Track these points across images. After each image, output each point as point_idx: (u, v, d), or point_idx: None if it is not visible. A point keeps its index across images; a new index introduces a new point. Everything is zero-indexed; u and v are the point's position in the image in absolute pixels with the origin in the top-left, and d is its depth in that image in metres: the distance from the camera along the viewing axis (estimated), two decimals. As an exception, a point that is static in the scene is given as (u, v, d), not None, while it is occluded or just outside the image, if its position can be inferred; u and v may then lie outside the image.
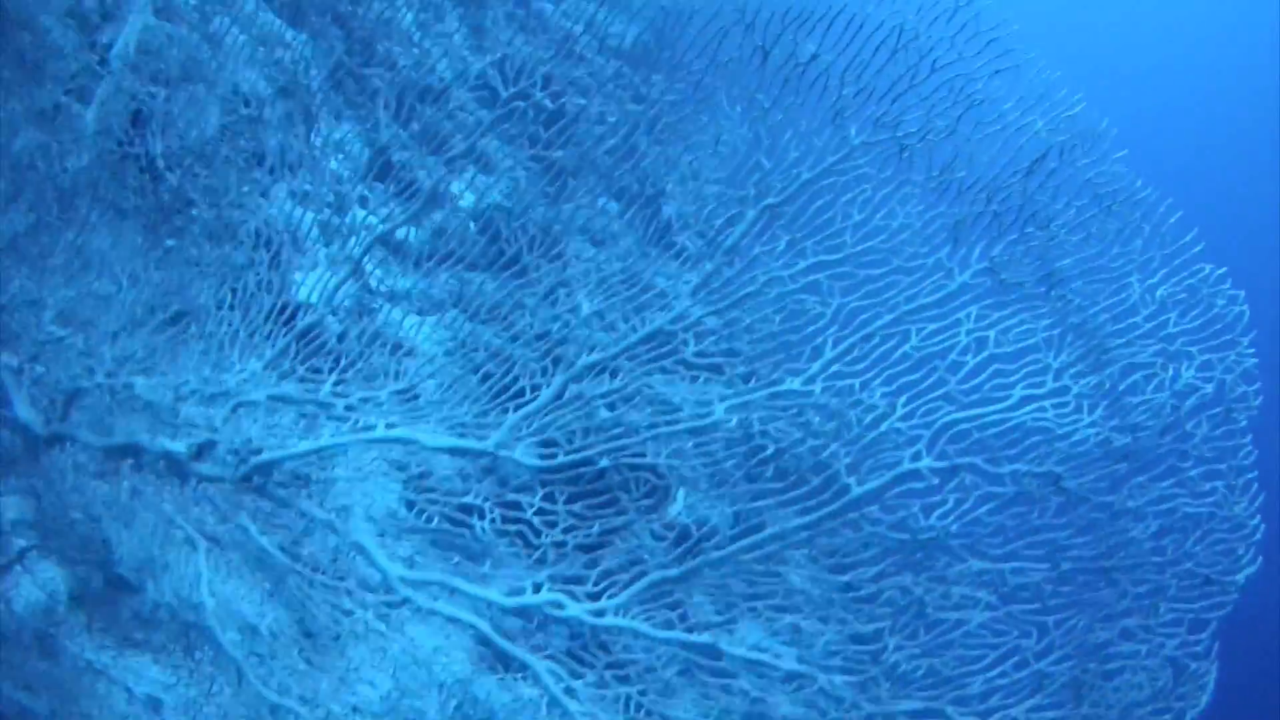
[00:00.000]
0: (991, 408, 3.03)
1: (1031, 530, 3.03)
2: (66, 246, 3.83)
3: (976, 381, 3.05)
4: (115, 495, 3.60)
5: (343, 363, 3.29)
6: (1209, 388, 3.02)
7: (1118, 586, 3.04)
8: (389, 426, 3.20)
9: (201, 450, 3.33)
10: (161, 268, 3.60)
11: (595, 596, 3.11)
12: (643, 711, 3.05)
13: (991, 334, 3.08)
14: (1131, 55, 20.56)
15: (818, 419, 3.03)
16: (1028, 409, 3.03)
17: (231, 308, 3.42)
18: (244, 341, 3.38)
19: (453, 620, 3.11)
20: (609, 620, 3.09)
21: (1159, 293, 3.11)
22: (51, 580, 4.42)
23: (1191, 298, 3.10)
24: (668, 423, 3.09)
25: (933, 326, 3.08)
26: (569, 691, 3.08)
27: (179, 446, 3.35)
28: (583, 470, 3.13)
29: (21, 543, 4.23)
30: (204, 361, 3.40)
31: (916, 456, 3.02)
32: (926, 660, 3.00)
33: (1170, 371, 3.04)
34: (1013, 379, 3.06)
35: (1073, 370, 3.05)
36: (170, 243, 3.59)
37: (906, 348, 3.07)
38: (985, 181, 3.13)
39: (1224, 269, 3.10)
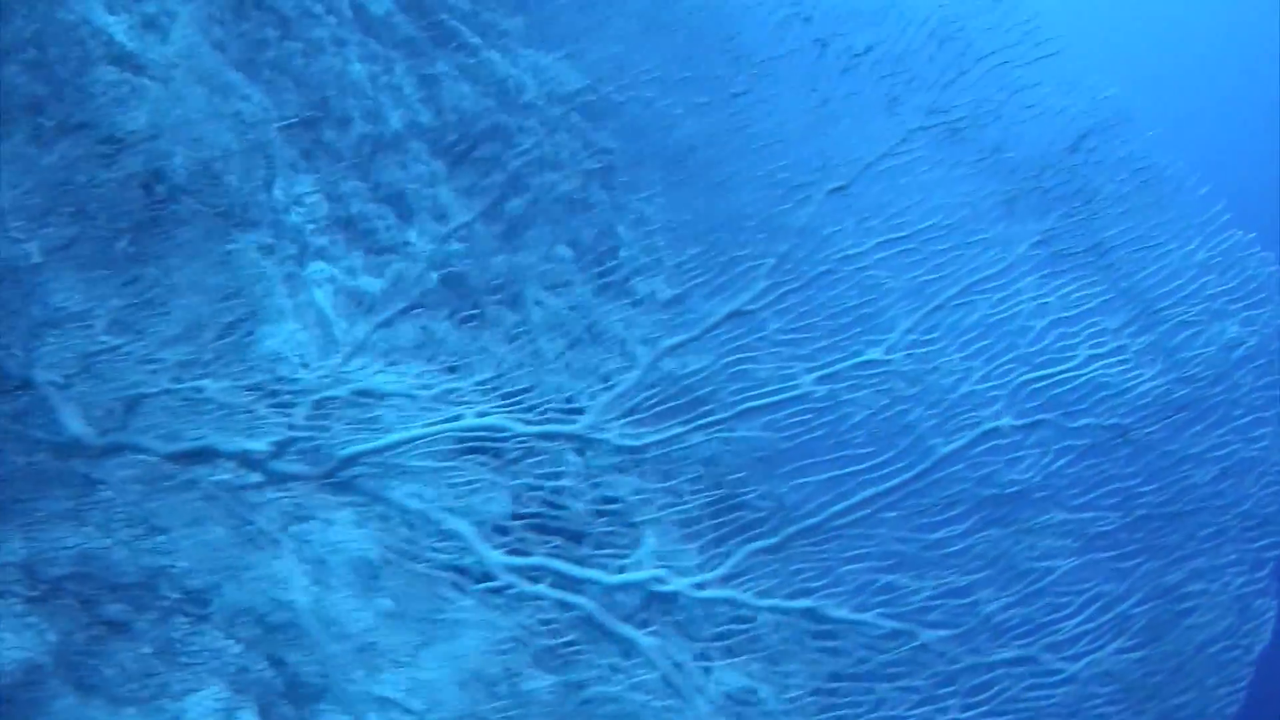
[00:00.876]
0: (1060, 367, 3.22)
1: (1105, 480, 3.20)
2: (118, 255, 3.78)
3: (1044, 344, 3.24)
4: (185, 502, 3.54)
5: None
6: (1253, 341, 3.27)
7: (1185, 530, 3.23)
8: (480, 415, 3.23)
9: (282, 448, 3.31)
10: (223, 271, 3.57)
11: (696, 570, 3.17)
12: (750, 679, 3.11)
13: (1052, 300, 3.28)
14: (1160, 34, 21.78)
15: (901, 385, 3.18)
16: (1093, 367, 3.23)
17: (298, 309, 3.42)
18: (320, 339, 3.38)
19: (558, 603, 3.12)
20: (711, 592, 3.15)
21: (1197, 257, 3.36)
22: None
23: (1226, 260, 3.36)
24: (756, 397, 3.20)
25: (998, 295, 3.26)
26: (677, 666, 3.12)
27: (259, 445, 3.32)
28: (674, 449, 3.20)
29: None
30: (277, 360, 3.39)
31: (996, 415, 3.18)
32: (1019, 609, 3.13)
33: (1216, 328, 3.28)
34: (1076, 340, 3.26)
35: (1129, 330, 3.27)
36: (231, 246, 3.57)
37: (976, 316, 3.24)
38: (1033, 160, 3.35)
39: (1253, 234, 3.37)
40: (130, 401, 3.54)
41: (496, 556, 3.16)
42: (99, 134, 4.02)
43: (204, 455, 3.40)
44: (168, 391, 3.50)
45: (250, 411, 3.39)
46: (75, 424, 3.63)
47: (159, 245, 3.84)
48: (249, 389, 3.41)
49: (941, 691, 3.11)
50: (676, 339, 3.26)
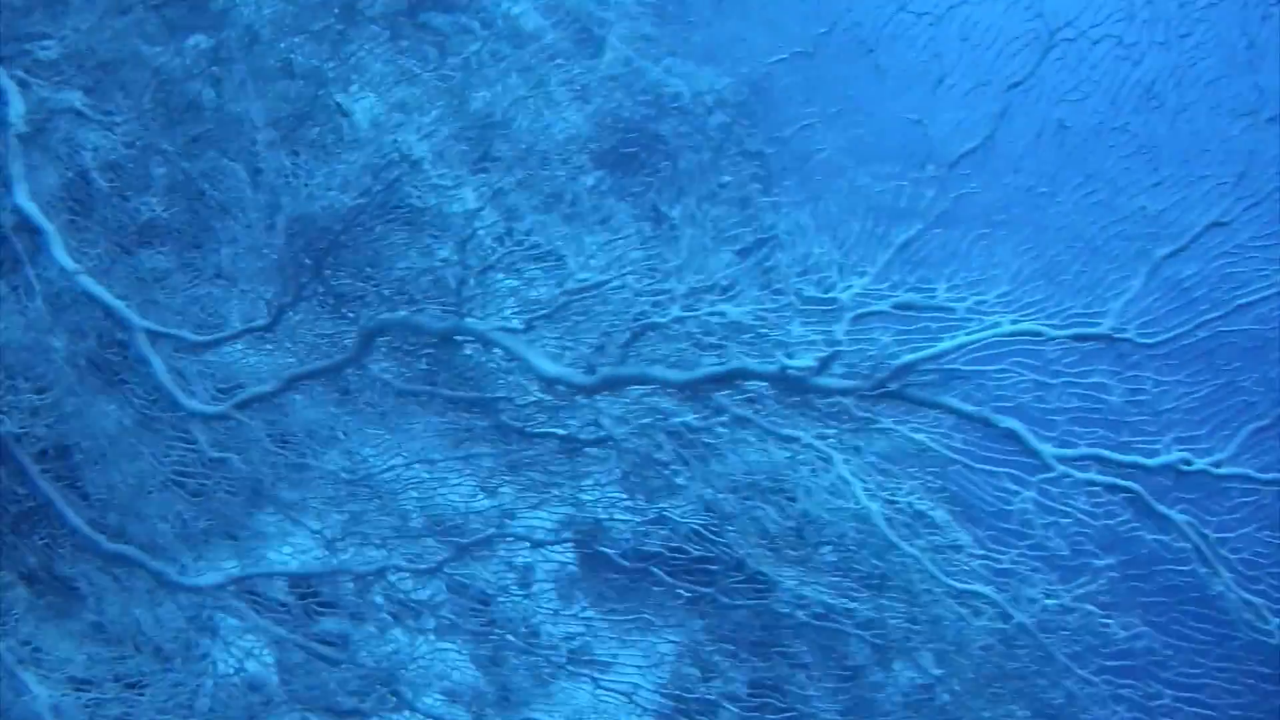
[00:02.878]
0: None
1: None
2: (583, 193, 3.80)
3: None
4: (706, 425, 3.62)
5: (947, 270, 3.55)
6: None
7: None
8: (1014, 322, 3.50)
9: (825, 364, 3.46)
10: (718, 203, 3.66)
11: (1209, 451, 3.56)
12: (1262, 544, 3.53)
13: None
14: None
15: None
16: None
17: (819, 230, 3.58)
18: (841, 260, 3.56)
19: (1109, 487, 3.44)
20: (1225, 469, 3.55)
21: None
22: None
23: None
24: (1244, 294, 3.63)
25: None
26: (1204, 538, 3.50)
27: (803, 362, 3.45)
28: (1182, 344, 3.59)
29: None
30: (802, 281, 3.53)
31: None
32: None
33: None
34: None
35: None
36: (726, 179, 3.66)
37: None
38: None
39: None
40: (635, 333, 3.59)
41: (1049, 449, 3.45)
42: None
43: (732, 378, 3.50)
44: (679, 320, 3.58)
45: (784, 330, 3.51)
46: (547, 365, 3.65)
47: (632, 181, 3.86)
48: (775, 311, 3.54)
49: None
50: (1168, 249, 3.64)
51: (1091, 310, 3.56)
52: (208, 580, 4.98)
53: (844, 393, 3.46)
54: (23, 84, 5.18)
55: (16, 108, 5.18)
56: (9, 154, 5.13)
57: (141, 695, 5.09)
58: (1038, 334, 3.49)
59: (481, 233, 3.90)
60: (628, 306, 3.63)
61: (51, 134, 5.32)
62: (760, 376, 3.48)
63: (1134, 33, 3.75)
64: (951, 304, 3.51)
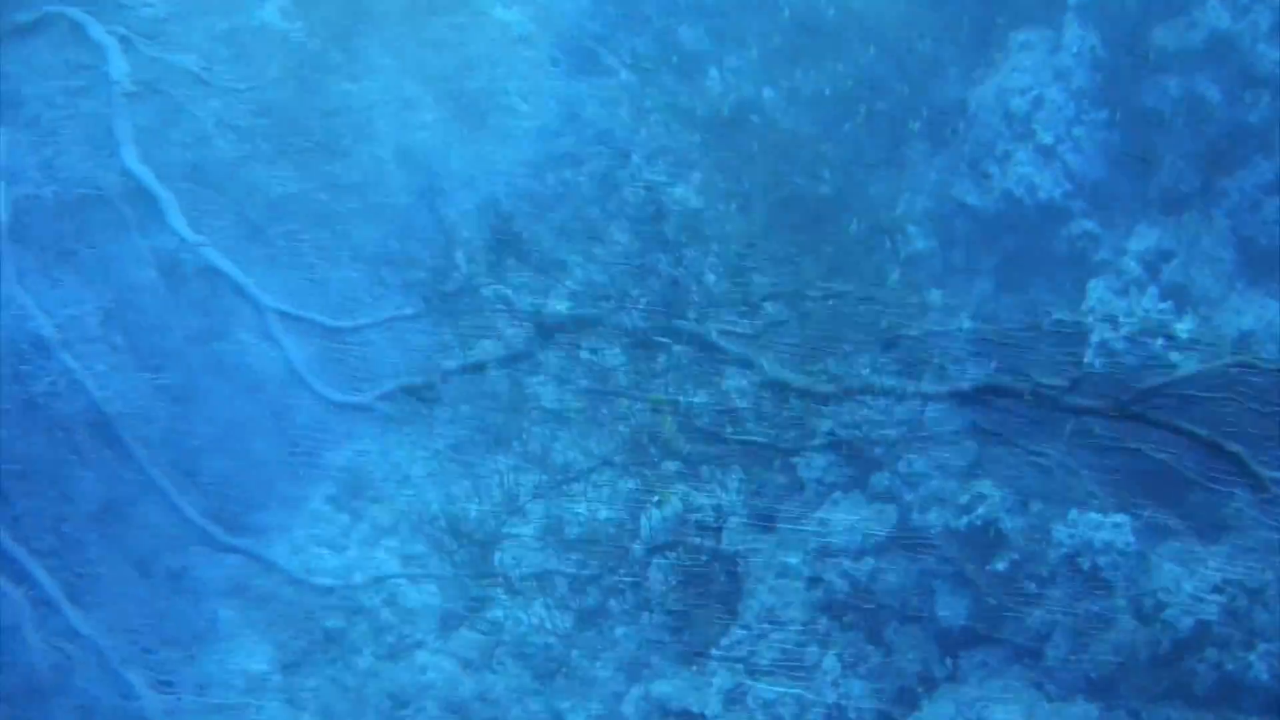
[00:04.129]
0: None
1: None
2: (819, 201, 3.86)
3: None
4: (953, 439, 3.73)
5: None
6: None
7: None
8: (1233, 353, 3.77)
9: (1076, 384, 3.63)
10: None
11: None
12: None
13: None
14: None
15: None
16: None
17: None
18: (1070, 292, 3.75)
19: (1314, 508, 3.74)
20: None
21: None
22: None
23: None
24: None
25: None
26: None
27: (1057, 381, 3.62)
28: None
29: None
30: (1055, 305, 3.70)
31: None
32: None
33: None
34: None
35: None
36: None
37: None
38: None
39: None
40: (888, 341, 3.68)
41: (1266, 471, 3.72)
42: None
43: (983, 393, 3.63)
44: (930, 334, 3.69)
45: (1035, 350, 3.67)
46: (779, 371, 3.71)
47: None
48: (1028, 329, 3.69)
49: None
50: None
51: (1317, 347, 3.87)
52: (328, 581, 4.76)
53: (1092, 412, 3.63)
54: (125, 40, 4.82)
55: (120, 66, 4.84)
56: (114, 113, 4.78)
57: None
58: (1253, 366, 3.77)
59: (703, 234, 3.90)
60: (875, 318, 3.71)
61: (165, 96, 4.96)
62: (1012, 393, 3.62)
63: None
64: (1180, 333, 3.74)
